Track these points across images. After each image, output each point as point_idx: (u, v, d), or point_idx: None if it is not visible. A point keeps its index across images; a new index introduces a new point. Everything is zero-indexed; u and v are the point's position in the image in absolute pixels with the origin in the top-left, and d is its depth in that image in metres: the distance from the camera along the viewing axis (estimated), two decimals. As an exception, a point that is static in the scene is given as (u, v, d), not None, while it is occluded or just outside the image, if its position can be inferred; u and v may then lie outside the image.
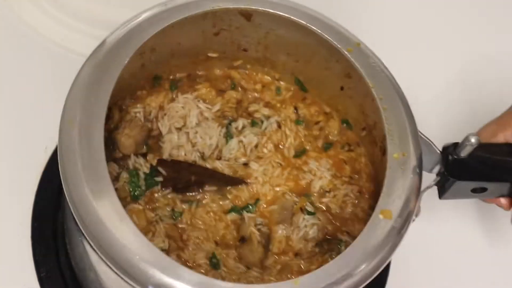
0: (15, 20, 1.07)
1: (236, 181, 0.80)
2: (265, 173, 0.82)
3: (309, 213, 0.79)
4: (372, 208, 0.78)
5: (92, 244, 0.63)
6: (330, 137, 0.87)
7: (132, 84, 0.82)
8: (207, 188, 0.79)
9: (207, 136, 0.81)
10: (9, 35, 1.06)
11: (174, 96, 0.84)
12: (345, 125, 0.87)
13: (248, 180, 0.81)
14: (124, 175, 0.77)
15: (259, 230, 0.76)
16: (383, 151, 0.77)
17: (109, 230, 0.63)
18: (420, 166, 0.73)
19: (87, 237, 0.63)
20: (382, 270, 0.65)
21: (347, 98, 0.85)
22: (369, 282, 0.65)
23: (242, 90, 0.88)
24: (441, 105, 1.06)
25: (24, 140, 0.92)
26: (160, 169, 0.77)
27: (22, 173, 0.92)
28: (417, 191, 0.71)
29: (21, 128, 0.96)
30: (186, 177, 0.78)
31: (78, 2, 1.09)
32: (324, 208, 0.81)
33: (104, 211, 0.63)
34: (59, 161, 0.67)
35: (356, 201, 0.81)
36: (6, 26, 1.07)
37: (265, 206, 0.80)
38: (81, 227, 0.64)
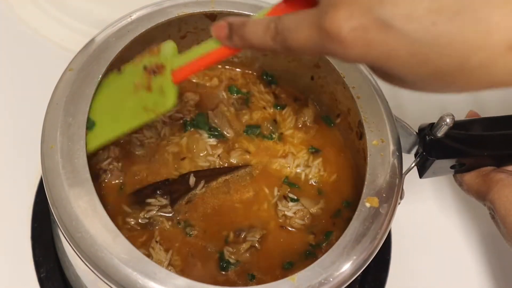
0: (15, 20, 1.07)
1: (240, 168, 0.81)
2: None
3: (293, 200, 0.80)
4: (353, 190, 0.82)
5: (88, 264, 0.63)
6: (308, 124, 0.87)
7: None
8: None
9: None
10: (9, 35, 1.06)
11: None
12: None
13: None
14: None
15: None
16: (360, 136, 0.79)
17: (102, 248, 0.63)
18: (399, 150, 0.74)
19: (82, 259, 0.64)
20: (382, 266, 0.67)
21: (318, 87, 0.86)
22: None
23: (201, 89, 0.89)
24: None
25: (24, 140, 0.92)
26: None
27: (22, 173, 0.92)
28: (400, 175, 0.73)
29: (21, 128, 0.96)
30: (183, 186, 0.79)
31: (79, 2, 1.09)
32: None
33: (96, 231, 0.64)
34: (45, 186, 0.67)
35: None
36: (6, 26, 1.06)
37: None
38: (73, 247, 0.64)
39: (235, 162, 0.82)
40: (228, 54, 0.59)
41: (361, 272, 0.68)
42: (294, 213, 0.79)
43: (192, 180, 0.78)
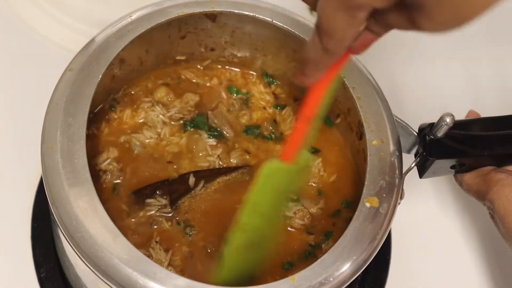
0: (15, 20, 1.07)
1: (240, 168, 0.81)
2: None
3: (292, 200, 0.79)
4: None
5: (88, 264, 0.63)
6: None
7: (107, 98, 0.83)
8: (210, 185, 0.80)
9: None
10: (9, 35, 1.06)
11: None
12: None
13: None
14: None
15: None
16: (360, 136, 0.78)
17: (102, 248, 0.63)
18: (399, 150, 0.74)
19: (82, 259, 0.64)
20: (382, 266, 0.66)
21: (318, 87, 0.86)
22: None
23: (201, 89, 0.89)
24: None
25: (24, 141, 0.92)
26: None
27: (22, 173, 0.92)
28: (400, 175, 0.73)
29: (21, 128, 0.96)
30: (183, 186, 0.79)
31: (79, 2, 1.09)
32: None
33: (96, 230, 0.64)
34: (45, 186, 0.67)
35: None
36: (6, 26, 1.06)
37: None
38: (73, 247, 0.64)
39: (235, 162, 0.82)
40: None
41: (361, 272, 0.68)
42: (294, 213, 0.79)
43: (191, 180, 0.78)
